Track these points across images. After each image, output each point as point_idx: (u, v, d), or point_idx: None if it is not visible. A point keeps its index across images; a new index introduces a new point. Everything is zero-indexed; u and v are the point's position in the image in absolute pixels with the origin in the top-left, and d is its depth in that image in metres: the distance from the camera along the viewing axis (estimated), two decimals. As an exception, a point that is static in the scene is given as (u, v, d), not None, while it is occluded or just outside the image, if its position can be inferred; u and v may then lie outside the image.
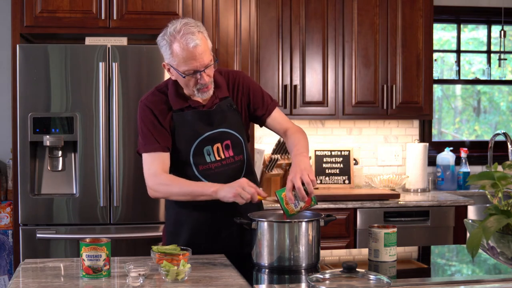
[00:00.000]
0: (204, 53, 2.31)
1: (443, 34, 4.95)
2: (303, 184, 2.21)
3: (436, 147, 4.77)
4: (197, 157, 2.42)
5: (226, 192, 2.24)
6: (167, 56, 2.35)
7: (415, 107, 4.34)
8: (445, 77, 4.93)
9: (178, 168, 2.44)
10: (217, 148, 2.43)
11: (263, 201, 3.85)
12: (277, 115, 2.57)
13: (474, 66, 5.00)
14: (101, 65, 3.45)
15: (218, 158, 2.43)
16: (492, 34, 4.97)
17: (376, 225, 2.35)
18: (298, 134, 2.51)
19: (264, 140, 4.38)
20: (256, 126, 3.81)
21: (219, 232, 2.46)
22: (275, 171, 4.16)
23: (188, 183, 2.36)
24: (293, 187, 2.22)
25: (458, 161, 4.65)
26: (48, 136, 3.44)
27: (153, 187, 2.37)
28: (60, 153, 3.52)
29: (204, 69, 2.32)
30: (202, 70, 2.31)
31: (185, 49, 2.29)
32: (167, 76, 2.52)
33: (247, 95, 2.52)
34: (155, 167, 2.37)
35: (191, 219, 2.46)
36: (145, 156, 2.40)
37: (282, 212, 2.30)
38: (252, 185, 2.24)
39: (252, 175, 2.55)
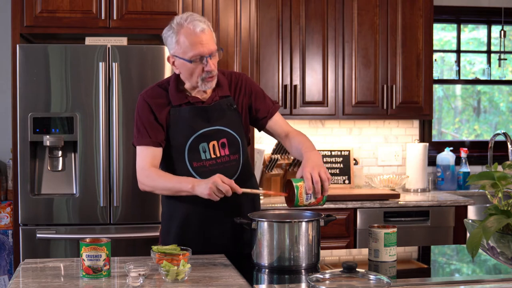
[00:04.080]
0: (210, 40, 2.36)
1: (443, 35, 4.95)
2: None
3: (436, 147, 4.77)
4: (192, 154, 2.42)
5: (202, 189, 2.24)
6: (173, 45, 2.37)
7: (415, 107, 4.34)
8: (445, 77, 4.94)
9: (172, 164, 2.45)
10: (213, 145, 2.43)
11: (261, 200, 3.86)
12: (278, 118, 2.57)
13: (475, 66, 5.00)
14: (101, 65, 3.45)
15: (213, 156, 2.43)
16: (492, 34, 4.97)
17: (376, 225, 2.35)
18: (302, 136, 2.52)
19: (264, 140, 4.38)
20: (256, 126, 3.82)
21: (211, 228, 2.46)
22: (275, 171, 4.16)
23: (170, 178, 2.38)
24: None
25: (458, 161, 4.66)
26: (48, 136, 3.44)
27: (141, 180, 2.42)
28: (60, 153, 3.52)
29: (210, 56, 2.34)
30: (208, 55, 2.33)
31: (192, 34, 2.32)
32: (167, 75, 2.53)
33: (249, 97, 2.52)
34: (145, 161, 2.41)
35: (184, 216, 2.47)
36: (138, 149, 2.45)
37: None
38: (226, 181, 2.22)
39: (251, 177, 2.56)
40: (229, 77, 2.52)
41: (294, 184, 2.23)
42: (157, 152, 2.42)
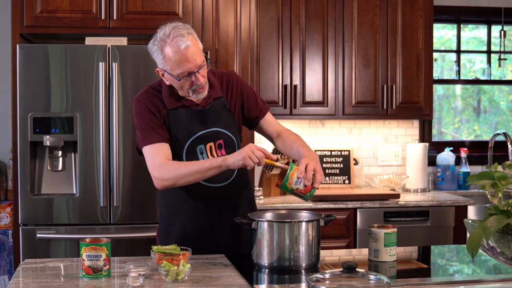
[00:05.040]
0: (196, 54, 2.31)
1: (444, 33, 4.95)
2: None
3: (436, 147, 4.77)
4: (190, 156, 2.42)
5: (235, 157, 2.23)
6: (160, 61, 2.34)
7: (415, 107, 4.34)
8: (445, 77, 4.94)
9: None
10: (210, 147, 2.43)
11: (257, 201, 3.86)
12: (270, 118, 2.59)
13: (475, 65, 5.00)
14: (101, 65, 3.45)
15: (210, 157, 2.43)
16: (492, 34, 4.97)
17: (376, 225, 2.35)
18: (296, 135, 2.55)
19: (264, 140, 4.37)
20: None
21: (211, 229, 2.46)
22: (275, 171, 4.16)
23: (195, 162, 2.35)
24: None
25: (458, 161, 4.66)
26: (48, 136, 3.44)
27: (160, 176, 2.33)
28: (60, 153, 3.52)
29: (198, 70, 2.32)
30: (196, 71, 2.32)
31: (177, 52, 2.29)
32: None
33: (241, 97, 2.53)
34: (160, 157, 2.35)
35: (183, 217, 2.46)
36: (147, 149, 2.38)
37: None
38: (260, 149, 2.23)
39: (246, 175, 2.56)
40: (220, 78, 2.52)
41: (290, 164, 2.26)
42: (168, 148, 2.39)
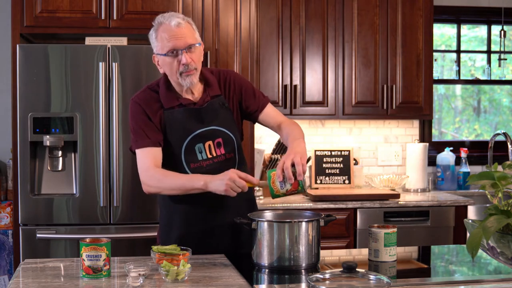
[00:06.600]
0: (187, 35, 2.36)
1: (445, 30, 4.95)
2: (293, 166, 2.20)
3: (436, 147, 4.77)
4: (189, 155, 2.42)
5: (217, 185, 2.23)
6: (154, 43, 2.40)
7: (415, 107, 4.34)
8: (445, 77, 4.94)
9: (170, 165, 2.44)
10: (209, 145, 2.44)
11: (257, 201, 3.86)
12: (269, 110, 2.58)
13: (476, 62, 5.00)
14: (101, 65, 3.45)
15: (209, 156, 2.43)
16: (492, 33, 4.97)
17: (376, 225, 2.35)
18: (292, 125, 2.53)
19: (264, 140, 4.38)
20: (257, 126, 3.82)
21: (212, 230, 2.46)
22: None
23: (179, 176, 2.36)
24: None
25: (458, 161, 4.66)
26: (48, 136, 3.44)
27: (145, 182, 2.38)
28: (60, 153, 3.52)
29: (186, 49, 2.33)
30: (183, 49, 2.33)
31: (168, 29, 2.35)
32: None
33: (239, 93, 2.53)
34: (147, 162, 2.37)
35: (183, 217, 2.47)
36: (138, 152, 2.41)
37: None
38: (242, 176, 2.23)
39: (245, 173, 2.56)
40: (218, 76, 2.53)
41: (267, 174, 2.26)
42: (158, 152, 2.40)
